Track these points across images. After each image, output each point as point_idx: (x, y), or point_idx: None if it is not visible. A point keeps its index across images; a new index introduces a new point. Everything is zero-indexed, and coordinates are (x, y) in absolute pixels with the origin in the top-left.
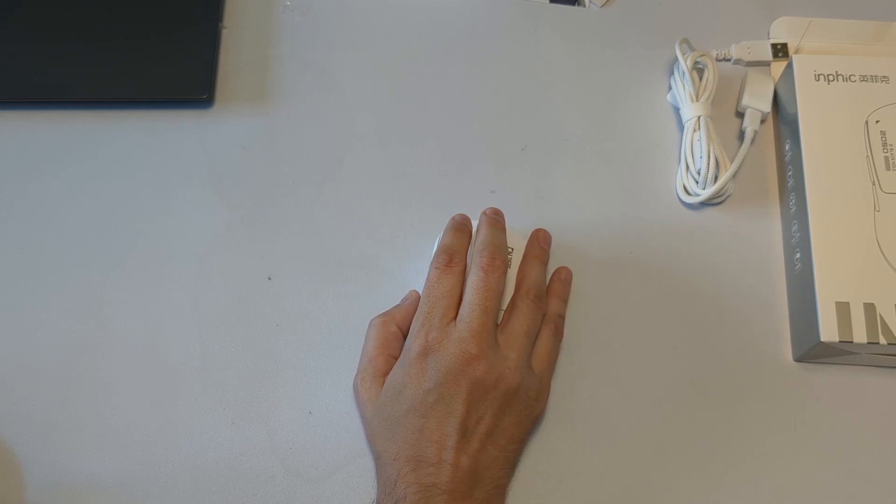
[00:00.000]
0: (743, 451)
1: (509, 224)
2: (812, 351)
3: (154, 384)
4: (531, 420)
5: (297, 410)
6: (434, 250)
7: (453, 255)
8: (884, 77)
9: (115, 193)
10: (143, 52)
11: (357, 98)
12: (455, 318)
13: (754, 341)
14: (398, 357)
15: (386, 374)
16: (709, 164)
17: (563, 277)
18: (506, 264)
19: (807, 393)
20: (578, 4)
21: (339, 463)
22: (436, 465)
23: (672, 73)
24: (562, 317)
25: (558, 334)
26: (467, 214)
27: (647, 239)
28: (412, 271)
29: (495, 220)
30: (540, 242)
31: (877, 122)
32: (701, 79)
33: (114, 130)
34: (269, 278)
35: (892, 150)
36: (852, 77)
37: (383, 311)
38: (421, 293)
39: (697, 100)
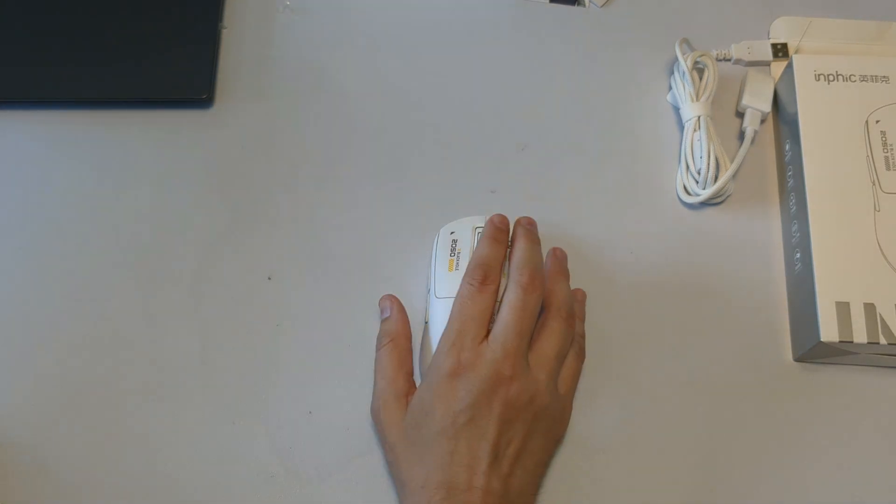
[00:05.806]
0: (742, 451)
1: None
2: (812, 351)
3: (154, 384)
4: (555, 442)
5: (297, 410)
6: (434, 248)
7: (489, 273)
8: (884, 77)
9: (115, 193)
10: (143, 52)
11: (357, 98)
12: (486, 336)
13: (754, 341)
14: (412, 373)
15: (408, 394)
16: (709, 164)
17: (580, 298)
18: (544, 285)
19: (807, 393)
20: (578, 4)
21: (339, 463)
22: (467, 491)
23: (672, 73)
24: (583, 336)
25: (581, 355)
26: (494, 216)
27: (647, 239)
28: (411, 271)
29: (532, 232)
30: (560, 261)
31: (877, 122)
32: (701, 79)
33: (114, 130)
34: (269, 278)
35: (892, 150)
36: (852, 77)
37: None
38: (451, 307)
39: (697, 100)
